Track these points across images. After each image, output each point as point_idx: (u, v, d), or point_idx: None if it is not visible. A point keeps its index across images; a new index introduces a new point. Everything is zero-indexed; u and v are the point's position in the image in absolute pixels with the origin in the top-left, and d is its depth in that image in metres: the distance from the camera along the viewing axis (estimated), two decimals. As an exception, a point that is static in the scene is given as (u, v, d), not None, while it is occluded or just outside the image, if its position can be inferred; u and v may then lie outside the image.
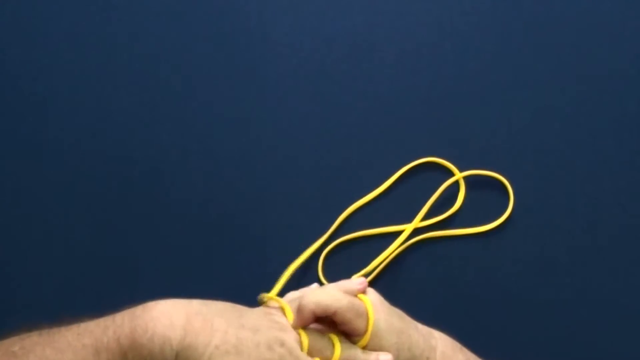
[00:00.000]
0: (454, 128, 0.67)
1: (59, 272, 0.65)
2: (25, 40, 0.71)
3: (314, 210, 0.65)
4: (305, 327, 0.49)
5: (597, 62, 0.68)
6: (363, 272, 0.62)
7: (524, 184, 0.65)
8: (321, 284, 0.63)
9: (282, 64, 0.70)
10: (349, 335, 0.49)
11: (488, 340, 0.61)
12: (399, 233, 0.64)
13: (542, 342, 0.61)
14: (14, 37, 0.71)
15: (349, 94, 0.68)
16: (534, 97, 0.67)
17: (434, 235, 0.64)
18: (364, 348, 0.49)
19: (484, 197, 0.65)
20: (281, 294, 0.58)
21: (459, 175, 0.65)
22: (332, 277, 0.63)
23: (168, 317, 0.43)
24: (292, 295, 0.57)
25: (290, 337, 0.46)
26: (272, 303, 0.52)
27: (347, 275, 0.62)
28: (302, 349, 0.47)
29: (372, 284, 0.62)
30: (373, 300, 0.50)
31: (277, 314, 0.49)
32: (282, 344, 0.45)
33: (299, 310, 0.47)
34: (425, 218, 0.65)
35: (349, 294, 0.49)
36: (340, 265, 0.64)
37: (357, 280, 0.52)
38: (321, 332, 0.49)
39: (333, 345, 0.48)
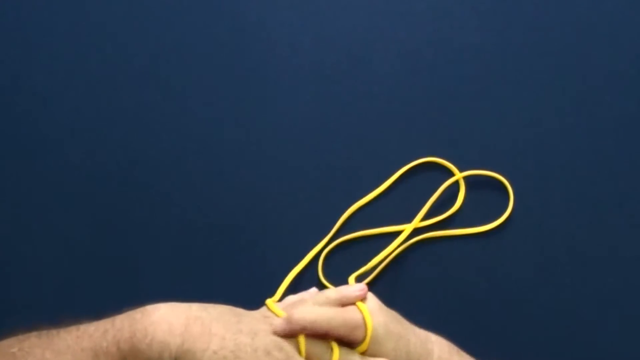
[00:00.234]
0: (454, 128, 0.67)
1: (58, 273, 0.65)
2: (25, 40, 0.71)
3: (314, 211, 0.65)
4: None
5: (597, 62, 0.68)
6: (361, 271, 0.62)
7: (524, 184, 0.65)
8: (321, 284, 0.63)
9: (282, 64, 0.69)
10: (347, 344, 0.49)
11: (488, 340, 0.61)
12: (399, 233, 0.64)
13: (541, 342, 0.61)
14: (14, 37, 0.72)
15: (349, 94, 0.68)
16: (534, 98, 0.67)
17: (434, 235, 0.64)
18: (363, 354, 0.49)
19: (484, 197, 0.65)
20: (283, 295, 0.58)
21: (459, 175, 0.65)
22: (333, 277, 0.63)
23: (167, 322, 0.44)
24: (290, 299, 0.57)
25: (288, 340, 0.46)
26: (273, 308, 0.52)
27: (347, 275, 0.62)
28: (300, 354, 0.47)
29: (371, 284, 0.62)
30: (371, 307, 0.50)
31: (276, 317, 0.49)
32: (281, 348, 0.45)
33: (289, 322, 0.47)
34: (425, 218, 0.65)
35: (348, 302, 0.49)
36: (341, 265, 0.63)
37: (357, 287, 0.51)
38: (321, 337, 0.49)
39: (332, 350, 0.48)
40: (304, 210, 0.65)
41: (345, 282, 0.61)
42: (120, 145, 0.68)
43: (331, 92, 0.69)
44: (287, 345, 0.46)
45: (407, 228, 0.64)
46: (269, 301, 0.52)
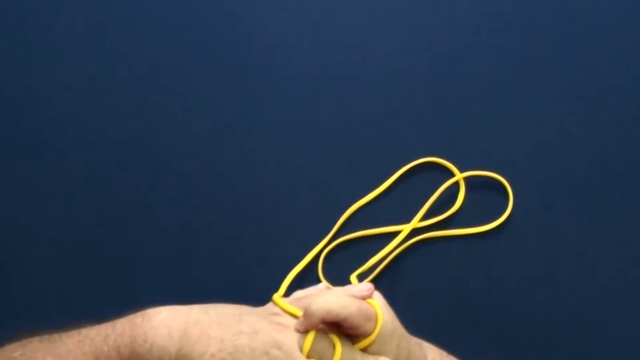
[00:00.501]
0: (454, 128, 0.67)
1: (58, 272, 0.65)
2: (25, 40, 0.71)
3: (314, 211, 0.65)
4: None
5: (597, 62, 0.68)
6: (361, 270, 0.62)
7: (523, 184, 0.65)
8: (323, 284, 0.63)
9: (282, 64, 0.69)
10: (355, 337, 0.49)
11: (487, 339, 0.62)
12: (399, 233, 0.64)
13: (541, 341, 0.61)
14: (14, 37, 0.71)
15: (350, 94, 0.68)
16: (533, 98, 0.67)
17: (434, 235, 0.64)
18: (364, 350, 0.49)
19: (484, 198, 0.65)
20: (285, 295, 0.58)
21: (459, 176, 0.65)
22: (333, 277, 0.63)
23: (167, 327, 0.44)
24: (297, 294, 0.57)
25: (290, 338, 0.46)
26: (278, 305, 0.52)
27: (348, 275, 0.62)
28: (302, 350, 0.47)
29: (371, 283, 0.62)
30: (381, 305, 0.50)
31: (281, 313, 0.49)
32: (280, 346, 0.45)
33: (307, 315, 0.46)
34: (425, 218, 0.65)
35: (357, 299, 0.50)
36: (341, 265, 0.64)
37: (365, 286, 0.51)
38: (324, 332, 0.49)
39: (334, 347, 0.48)
40: (304, 210, 0.65)
41: (346, 282, 0.61)
42: (121, 145, 0.68)
43: (332, 92, 0.68)
44: (287, 343, 0.45)
45: (406, 228, 0.64)
46: (275, 296, 0.51)
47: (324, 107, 0.68)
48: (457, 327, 0.61)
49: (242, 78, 0.69)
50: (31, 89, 0.70)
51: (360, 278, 0.63)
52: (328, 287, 0.54)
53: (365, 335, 0.47)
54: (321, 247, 0.64)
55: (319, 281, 0.63)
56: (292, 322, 0.47)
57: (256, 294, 0.55)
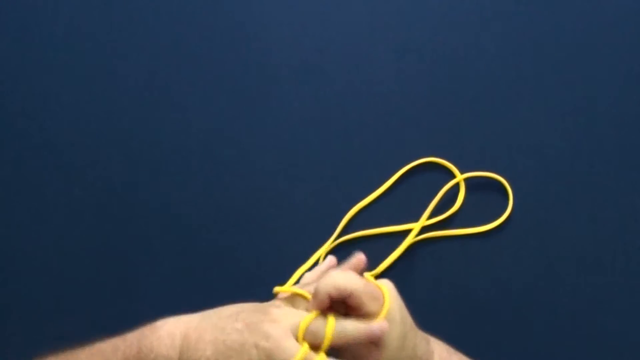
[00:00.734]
0: (454, 129, 0.67)
1: (57, 275, 0.66)
2: (24, 41, 0.71)
3: (317, 212, 0.65)
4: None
5: (597, 63, 0.68)
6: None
7: (523, 185, 0.65)
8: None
9: (282, 65, 0.69)
10: (361, 318, 0.48)
11: (487, 339, 0.62)
12: (401, 233, 0.65)
13: (541, 341, 0.61)
14: (14, 37, 0.71)
15: (351, 94, 0.68)
16: (533, 100, 0.67)
17: (434, 235, 0.65)
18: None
19: (484, 198, 0.65)
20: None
21: (460, 177, 0.65)
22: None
23: (171, 336, 0.45)
24: (306, 278, 0.58)
25: (280, 328, 0.46)
26: (281, 295, 0.52)
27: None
28: (298, 332, 0.46)
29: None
30: (390, 288, 0.49)
31: (277, 304, 0.49)
32: (268, 337, 0.45)
33: (315, 294, 0.47)
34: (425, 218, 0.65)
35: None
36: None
37: (355, 257, 0.51)
38: (324, 314, 0.48)
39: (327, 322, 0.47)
40: (307, 211, 0.65)
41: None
42: (122, 145, 0.68)
43: (332, 93, 0.68)
44: (274, 334, 0.45)
45: (416, 227, 0.64)
46: (277, 288, 0.52)
47: (324, 107, 0.68)
48: (457, 327, 0.61)
49: (242, 79, 0.69)
50: (30, 92, 0.70)
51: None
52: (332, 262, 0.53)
53: (371, 313, 0.47)
54: (325, 248, 0.64)
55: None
56: (288, 311, 0.47)
57: (261, 295, 0.55)
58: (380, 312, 0.46)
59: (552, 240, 0.64)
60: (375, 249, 0.64)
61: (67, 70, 0.70)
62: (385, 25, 0.70)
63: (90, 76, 0.70)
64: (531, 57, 0.68)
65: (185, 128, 0.68)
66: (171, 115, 0.68)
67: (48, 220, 0.67)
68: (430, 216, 0.65)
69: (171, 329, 0.46)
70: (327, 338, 0.45)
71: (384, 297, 0.47)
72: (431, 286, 0.64)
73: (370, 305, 0.47)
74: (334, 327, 0.46)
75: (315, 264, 0.64)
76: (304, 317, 0.46)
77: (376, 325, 0.45)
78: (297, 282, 0.63)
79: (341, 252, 0.64)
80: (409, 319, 0.49)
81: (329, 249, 0.64)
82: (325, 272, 0.52)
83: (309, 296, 0.48)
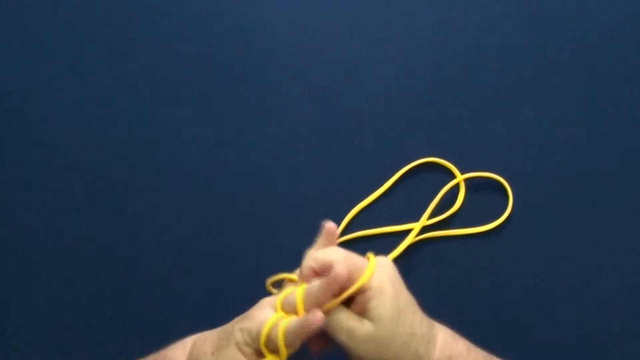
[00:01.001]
0: (454, 129, 0.67)
1: (57, 277, 0.66)
2: (24, 41, 0.71)
3: (317, 212, 0.65)
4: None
5: (597, 63, 0.68)
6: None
7: (523, 185, 0.65)
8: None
9: (282, 66, 0.69)
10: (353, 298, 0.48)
11: (487, 339, 0.62)
12: (400, 233, 0.65)
13: (541, 341, 0.62)
14: (14, 38, 0.71)
15: (351, 95, 0.68)
16: (534, 99, 0.67)
17: (434, 235, 0.65)
18: (362, 311, 0.47)
19: (484, 198, 0.66)
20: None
21: (460, 177, 0.65)
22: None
23: (183, 344, 0.51)
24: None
25: (260, 307, 0.48)
26: (273, 290, 0.53)
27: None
28: (276, 305, 0.48)
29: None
30: (381, 263, 0.49)
31: (261, 305, 0.49)
32: (249, 318, 0.47)
33: (300, 271, 0.49)
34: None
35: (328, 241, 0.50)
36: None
37: (324, 228, 0.51)
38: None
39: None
40: (307, 211, 0.65)
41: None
42: (122, 145, 0.68)
43: (332, 93, 0.68)
44: (254, 313, 0.47)
45: (416, 227, 0.64)
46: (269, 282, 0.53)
47: (324, 107, 0.68)
48: (457, 327, 0.60)
49: (242, 79, 0.69)
50: (29, 96, 0.70)
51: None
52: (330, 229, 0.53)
53: (365, 291, 0.47)
54: (324, 248, 0.64)
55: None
56: (273, 297, 0.49)
57: (261, 295, 0.54)
58: (371, 285, 0.46)
59: (552, 240, 0.64)
60: (375, 249, 0.63)
61: (67, 70, 0.70)
62: (385, 25, 0.70)
63: (90, 76, 0.70)
64: (531, 57, 0.68)
65: (185, 128, 0.68)
66: (172, 115, 0.69)
67: (48, 219, 0.67)
68: (430, 216, 0.65)
69: (185, 340, 0.50)
70: (298, 302, 0.46)
71: (369, 267, 0.47)
72: (431, 286, 0.64)
73: (352, 277, 0.46)
74: (303, 291, 0.46)
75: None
76: (284, 291, 0.48)
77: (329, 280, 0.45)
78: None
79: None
80: (404, 295, 0.48)
81: (329, 249, 0.64)
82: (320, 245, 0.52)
83: (296, 278, 0.49)
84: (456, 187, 0.66)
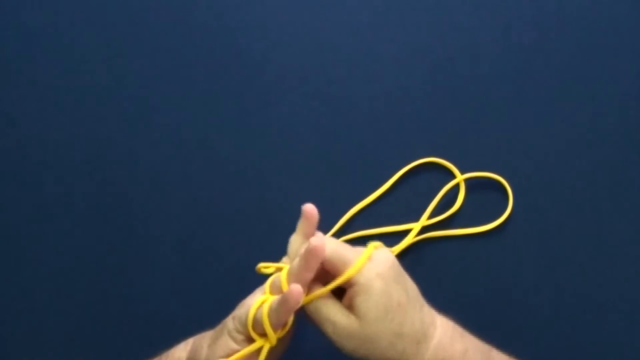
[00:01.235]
0: (454, 129, 0.67)
1: (56, 280, 0.65)
2: (23, 42, 0.71)
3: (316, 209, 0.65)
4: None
5: (597, 63, 0.68)
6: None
7: (523, 185, 0.65)
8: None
9: (281, 66, 0.69)
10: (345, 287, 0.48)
11: (487, 339, 0.62)
12: (400, 233, 0.65)
13: (541, 341, 0.62)
14: (14, 38, 0.71)
15: (351, 95, 0.68)
16: (534, 100, 0.67)
17: (434, 235, 0.65)
18: (351, 305, 0.47)
19: (484, 198, 0.66)
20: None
21: (460, 177, 0.65)
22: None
23: (185, 343, 0.52)
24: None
25: (250, 295, 0.49)
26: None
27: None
28: (266, 286, 0.49)
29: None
30: (380, 260, 0.47)
31: (255, 291, 0.51)
32: (240, 306, 0.49)
33: (290, 260, 0.50)
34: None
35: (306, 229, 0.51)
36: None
37: (303, 212, 0.51)
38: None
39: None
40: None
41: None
42: (122, 145, 0.68)
43: (332, 93, 0.68)
44: (244, 301, 0.48)
45: (415, 227, 0.64)
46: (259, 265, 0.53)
47: (324, 108, 0.68)
48: (458, 327, 0.61)
49: (240, 81, 0.69)
50: (30, 96, 0.70)
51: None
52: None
53: (355, 284, 0.46)
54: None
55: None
56: (255, 297, 0.49)
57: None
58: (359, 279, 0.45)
59: (552, 240, 0.64)
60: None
61: (67, 70, 0.70)
62: (385, 25, 0.70)
63: (90, 76, 0.70)
64: (531, 57, 0.68)
65: (185, 127, 0.68)
66: (172, 115, 0.69)
67: (47, 219, 0.67)
68: (430, 216, 0.65)
69: (188, 340, 0.51)
70: (282, 282, 0.47)
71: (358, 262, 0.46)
72: (431, 286, 0.63)
73: (341, 266, 0.46)
74: (287, 271, 0.47)
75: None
76: (273, 275, 0.49)
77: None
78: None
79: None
80: (397, 293, 0.46)
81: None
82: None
83: (285, 265, 0.49)
84: (456, 187, 0.66)
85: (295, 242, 0.49)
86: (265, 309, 0.45)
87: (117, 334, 0.63)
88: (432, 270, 0.64)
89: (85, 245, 0.66)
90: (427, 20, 0.69)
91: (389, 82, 0.68)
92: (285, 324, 0.47)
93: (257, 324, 0.46)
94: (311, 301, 0.47)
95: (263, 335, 0.46)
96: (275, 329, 0.46)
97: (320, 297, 0.47)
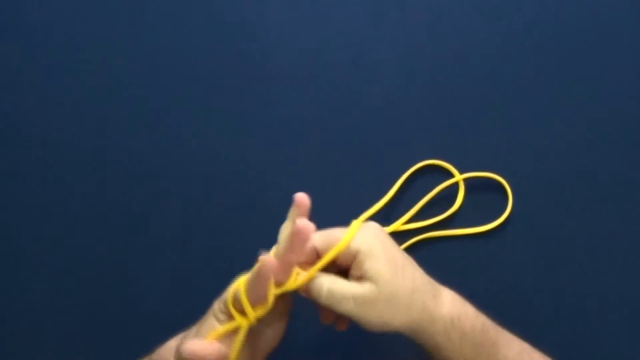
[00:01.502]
0: (454, 130, 0.68)
1: (56, 280, 0.65)
2: (24, 42, 0.71)
3: (315, 214, 0.65)
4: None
5: (597, 63, 0.68)
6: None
7: (522, 185, 0.65)
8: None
9: (282, 68, 0.69)
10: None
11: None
12: (400, 233, 0.65)
13: (541, 341, 0.62)
14: (14, 38, 0.71)
15: (350, 97, 0.68)
16: (533, 100, 0.68)
17: (434, 235, 0.65)
18: (360, 277, 0.47)
19: (483, 198, 0.66)
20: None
21: (458, 177, 0.65)
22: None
23: (176, 341, 0.52)
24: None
25: (223, 294, 0.49)
26: None
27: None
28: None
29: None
30: (370, 227, 0.49)
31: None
32: (209, 311, 0.49)
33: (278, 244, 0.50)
34: (425, 218, 0.65)
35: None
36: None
37: (295, 201, 0.51)
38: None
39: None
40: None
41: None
42: (122, 145, 0.68)
43: (332, 96, 0.69)
44: (212, 307, 0.49)
45: (415, 227, 0.64)
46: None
47: (324, 111, 0.68)
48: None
49: (240, 82, 0.69)
50: (30, 96, 0.69)
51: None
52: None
53: (356, 272, 0.47)
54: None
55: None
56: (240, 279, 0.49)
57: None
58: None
59: (552, 240, 0.64)
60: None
61: (67, 71, 0.70)
62: (385, 26, 0.70)
63: (89, 76, 0.70)
64: (531, 58, 0.68)
65: (186, 127, 0.68)
66: (172, 114, 0.69)
67: (47, 219, 0.67)
68: (430, 216, 0.65)
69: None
70: (260, 261, 0.47)
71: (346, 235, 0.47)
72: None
73: (329, 247, 0.47)
74: (275, 252, 0.48)
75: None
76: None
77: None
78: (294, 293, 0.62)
79: (341, 252, 0.64)
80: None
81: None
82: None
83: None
84: (456, 188, 0.66)
85: (286, 229, 0.50)
86: (242, 283, 0.46)
87: (117, 333, 0.64)
88: (432, 270, 0.63)
89: (85, 245, 0.66)
90: (426, 21, 0.69)
91: (389, 84, 0.68)
92: (265, 302, 0.47)
93: (237, 301, 0.46)
94: (312, 279, 0.47)
95: (244, 313, 0.47)
96: (252, 303, 0.46)
97: (330, 280, 0.47)
